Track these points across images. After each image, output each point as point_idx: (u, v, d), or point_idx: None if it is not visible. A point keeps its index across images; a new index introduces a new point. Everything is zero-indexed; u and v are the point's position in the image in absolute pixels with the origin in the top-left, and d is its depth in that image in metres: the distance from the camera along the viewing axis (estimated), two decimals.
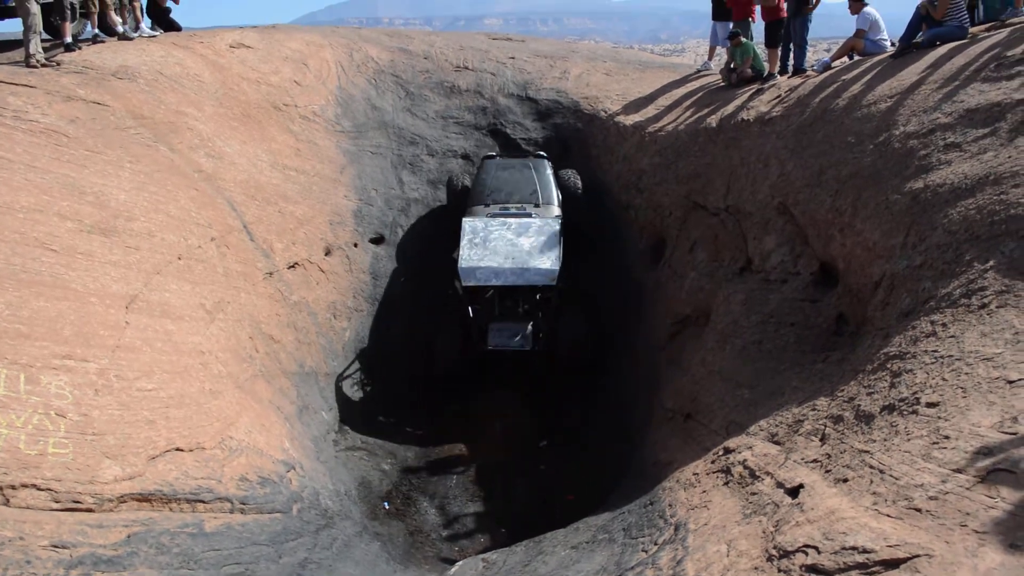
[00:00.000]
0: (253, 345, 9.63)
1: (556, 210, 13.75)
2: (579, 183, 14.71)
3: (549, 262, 12.36)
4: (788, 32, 13.42)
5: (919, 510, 4.24)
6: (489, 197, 13.93)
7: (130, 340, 7.16)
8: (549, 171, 14.42)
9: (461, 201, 14.53)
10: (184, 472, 6.51)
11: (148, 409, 6.68)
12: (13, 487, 5.33)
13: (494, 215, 13.33)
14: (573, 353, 12.67)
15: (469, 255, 12.44)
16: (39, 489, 5.45)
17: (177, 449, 6.62)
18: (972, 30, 10.36)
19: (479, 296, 12.62)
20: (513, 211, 13.46)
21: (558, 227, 12.95)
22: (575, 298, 13.52)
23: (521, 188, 14.03)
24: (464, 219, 13.13)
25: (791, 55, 13.60)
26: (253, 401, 8.58)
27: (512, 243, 12.64)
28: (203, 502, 6.46)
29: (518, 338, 12.21)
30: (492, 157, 14.91)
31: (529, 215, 13.32)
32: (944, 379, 5.39)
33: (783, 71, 13.40)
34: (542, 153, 15.22)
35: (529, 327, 12.30)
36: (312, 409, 10.64)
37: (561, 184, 14.55)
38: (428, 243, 14.83)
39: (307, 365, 11.15)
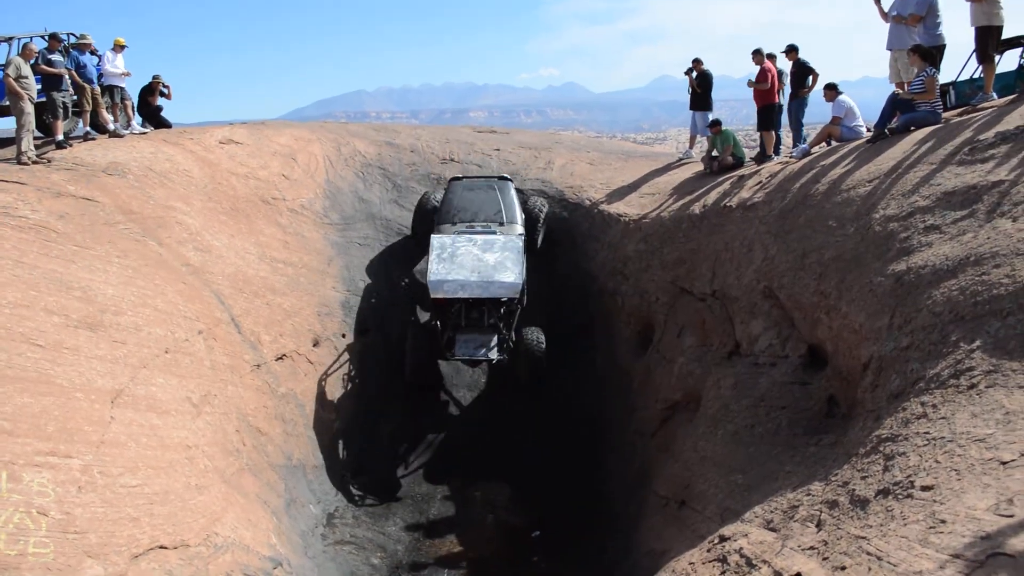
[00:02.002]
0: (240, 438, 9.49)
1: (519, 228, 14.54)
2: (543, 207, 15.61)
3: (513, 275, 13.03)
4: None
5: None
6: (456, 216, 14.65)
7: (115, 435, 7.05)
8: (513, 193, 15.20)
9: (430, 221, 15.20)
10: (168, 571, 6.32)
11: (132, 506, 6.53)
12: None
13: (460, 232, 14.06)
14: (532, 366, 13.30)
15: (437, 269, 13.12)
16: None
17: (161, 547, 6.45)
18: (945, 115, 10.68)
19: (447, 308, 13.22)
20: (479, 229, 14.20)
21: (521, 244, 13.74)
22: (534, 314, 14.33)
23: (486, 208, 14.78)
24: (432, 236, 13.93)
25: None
26: (239, 496, 8.41)
27: (478, 258, 13.33)
28: None
29: (483, 350, 12.84)
30: (459, 179, 15.68)
31: (493, 232, 14.03)
32: (937, 461, 5.36)
33: (765, 157, 13.74)
34: (506, 176, 16.02)
35: (494, 339, 12.95)
36: (300, 503, 10.43)
37: (526, 208, 15.39)
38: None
39: (295, 458, 10.97)
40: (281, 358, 11.81)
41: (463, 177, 15.85)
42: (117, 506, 6.41)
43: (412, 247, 15.96)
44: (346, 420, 12.92)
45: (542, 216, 15.41)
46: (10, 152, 12.24)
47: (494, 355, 12.83)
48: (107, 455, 6.76)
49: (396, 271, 15.52)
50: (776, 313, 10.07)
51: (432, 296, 12.99)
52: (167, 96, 16.46)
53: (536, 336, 13.45)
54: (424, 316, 14.85)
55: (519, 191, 15.67)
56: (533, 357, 13.28)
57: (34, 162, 11.68)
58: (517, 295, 13.08)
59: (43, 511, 5.85)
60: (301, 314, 12.92)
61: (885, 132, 10.81)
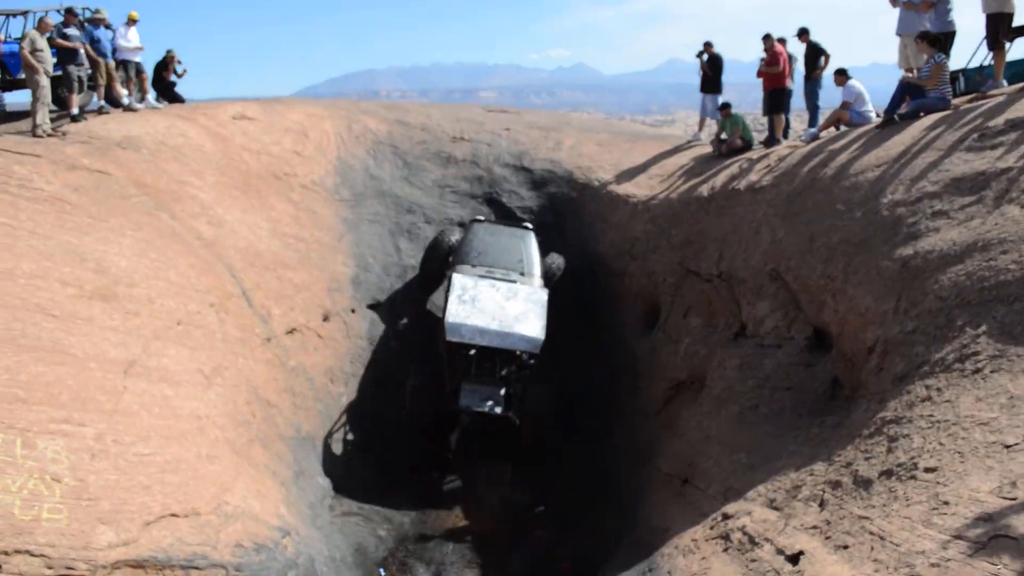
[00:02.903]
0: (250, 410, 9.60)
1: (539, 281, 13.55)
2: (561, 266, 14.67)
3: (535, 330, 12.20)
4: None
5: None
6: (476, 259, 13.64)
7: (128, 405, 7.15)
8: (535, 244, 14.26)
9: (443, 262, 14.41)
10: (179, 538, 6.44)
11: (144, 474, 6.64)
12: (7, 553, 5.28)
13: (483, 276, 13.09)
14: (535, 427, 12.51)
15: (457, 311, 12.19)
16: (32, 555, 5.39)
17: (172, 515, 6.56)
18: (954, 101, 10.65)
19: (458, 353, 12.25)
20: (500, 275, 13.21)
21: (546, 298, 12.81)
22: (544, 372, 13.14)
23: (508, 255, 13.84)
24: (454, 274, 12.94)
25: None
26: (249, 466, 8.52)
27: (500, 305, 12.47)
28: (198, 568, 6.37)
29: (489, 402, 11.95)
30: (480, 221, 14.86)
31: (515, 281, 13.12)
32: (941, 444, 5.42)
33: (774, 140, 13.71)
34: (528, 224, 15.20)
35: (501, 392, 12.10)
36: (308, 474, 10.56)
37: (543, 263, 14.19)
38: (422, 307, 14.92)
39: (304, 430, 11.09)
40: (291, 332, 11.91)
41: (485, 220, 15.01)
42: (130, 474, 6.52)
43: (423, 225, 16.01)
44: (355, 394, 13.03)
45: (557, 275, 14.45)
46: (25, 125, 12.31)
47: (499, 409, 11.90)
48: (120, 424, 6.87)
49: (406, 247, 15.57)
50: (782, 295, 10.10)
51: (448, 339, 12.03)
52: (179, 76, 16.52)
53: (543, 397, 12.67)
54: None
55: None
56: (537, 419, 12.46)
57: (49, 135, 11.74)
58: (536, 351, 12.18)
59: (57, 477, 5.97)
60: (311, 289, 13.01)
61: (895, 118, 10.80)
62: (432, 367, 12.86)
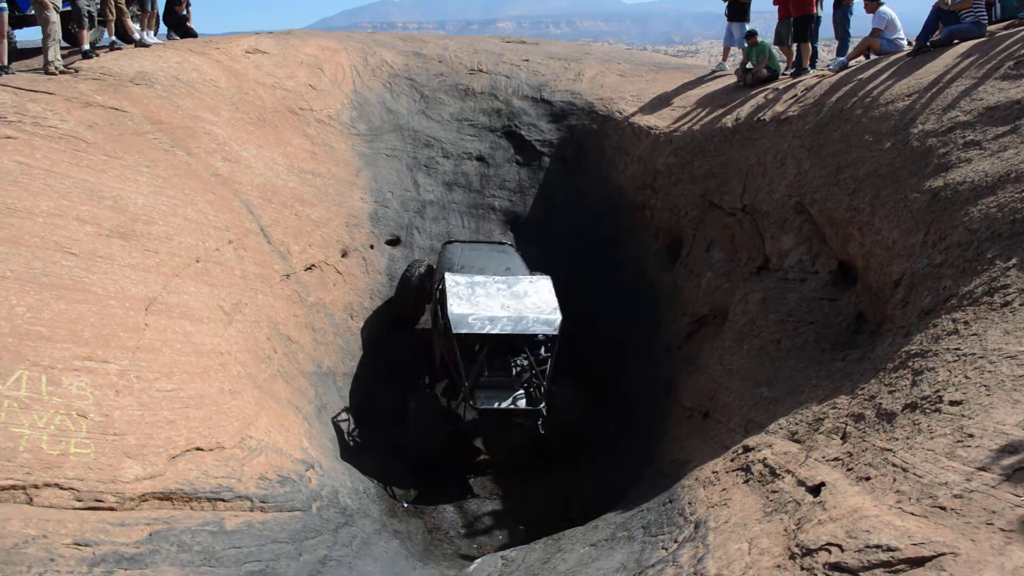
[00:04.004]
0: (271, 346, 9.67)
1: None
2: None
3: (550, 310, 10.96)
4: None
5: (944, 508, 4.21)
6: (461, 270, 12.20)
7: (150, 341, 7.20)
8: (520, 259, 13.25)
9: (418, 294, 13.27)
10: (204, 471, 6.53)
11: (168, 409, 6.71)
12: (36, 486, 5.37)
13: (474, 278, 11.66)
14: (566, 430, 11.28)
15: (459, 304, 10.79)
16: (62, 488, 5.49)
17: (197, 449, 6.64)
18: (990, 28, 10.29)
19: (466, 351, 10.93)
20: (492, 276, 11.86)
21: (551, 283, 11.65)
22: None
23: (493, 265, 12.62)
24: (446, 274, 11.58)
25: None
26: (272, 401, 8.61)
27: (505, 294, 11.22)
28: (223, 501, 6.48)
29: (510, 398, 10.78)
30: (453, 242, 13.92)
31: (515, 275, 12.01)
32: (967, 377, 5.35)
33: (801, 70, 13.35)
34: (506, 242, 14.54)
35: (521, 388, 10.98)
36: (330, 408, 10.68)
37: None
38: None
39: (325, 365, 11.18)
40: (310, 268, 11.92)
41: (457, 240, 14.05)
42: (154, 409, 6.59)
43: (441, 159, 15.88)
44: (374, 329, 13.09)
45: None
46: (37, 62, 12.20)
47: (522, 403, 10.69)
48: (143, 360, 6.92)
49: (424, 182, 15.47)
50: (807, 228, 9.95)
51: (455, 331, 10.51)
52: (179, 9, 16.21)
53: (571, 394, 11.42)
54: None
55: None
56: (567, 420, 11.18)
57: (61, 72, 11.62)
58: (556, 332, 10.76)
59: (83, 413, 6.04)
60: (330, 225, 12.98)
61: (927, 45, 10.45)
62: (432, 385, 11.77)
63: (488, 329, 10.57)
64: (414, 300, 13.38)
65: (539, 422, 10.79)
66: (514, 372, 11.18)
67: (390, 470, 10.76)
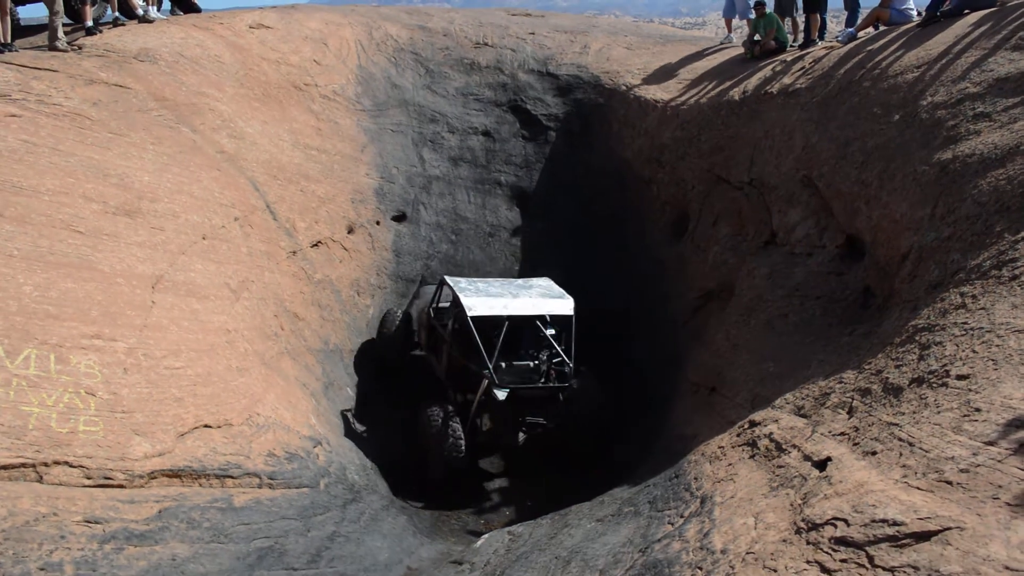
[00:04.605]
0: (278, 323, 9.69)
1: None
2: None
3: (561, 295, 11.00)
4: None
5: (950, 483, 4.21)
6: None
7: (157, 319, 7.22)
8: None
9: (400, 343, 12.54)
10: (212, 448, 6.58)
11: (176, 387, 6.74)
12: (46, 464, 5.42)
13: (475, 281, 11.58)
14: (589, 423, 10.69)
15: (470, 296, 10.52)
16: (71, 466, 5.53)
17: (205, 426, 6.69)
18: None
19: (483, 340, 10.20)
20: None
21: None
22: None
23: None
24: (445, 277, 11.59)
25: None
26: (279, 378, 8.65)
27: (511, 288, 11.17)
28: (232, 477, 6.53)
29: (532, 377, 10.64)
30: (427, 283, 13.57)
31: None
32: (974, 351, 5.33)
33: (809, 41, 13.19)
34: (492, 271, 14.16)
35: (543, 375, 10.74)
36: (337, 385, 10.72)
37: None
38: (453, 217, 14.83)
39: (332, 342, 11.22)
40: (316, 245, 11.92)
41: (430, 280, 13.61)
42: (162, 387, 6.63)
43: (446, 134, 15.80)
44: (381, 306, 13.10)
45: None
46: (41, 39, 12.13)
47: (543, 380, 10.48)
48: (150, 338, 6.95)
49: (430, 157, 15.42)
50: (815, 202, 9.89)
51: (470, 315, 10.08)
52: None
53: (591, 391, 10.73)
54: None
55: None
56: (586, 419, 10.56)
57: (65, 49, 11.56)
58: (571, 313, 10.52)
59: (91, 391, 6.07)
60: (335, 201, 12.96)
61: (937, 15, 10.30)
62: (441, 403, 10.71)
63: (506, 311, 10.36)
64: (399, 347, 12.55)
65: (561, 414, 10.38)
66: (533, 364, 10.91)
67: (398, 445, 10.79)
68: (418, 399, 10.81)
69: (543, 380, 10.66)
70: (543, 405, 10.40)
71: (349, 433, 10.02)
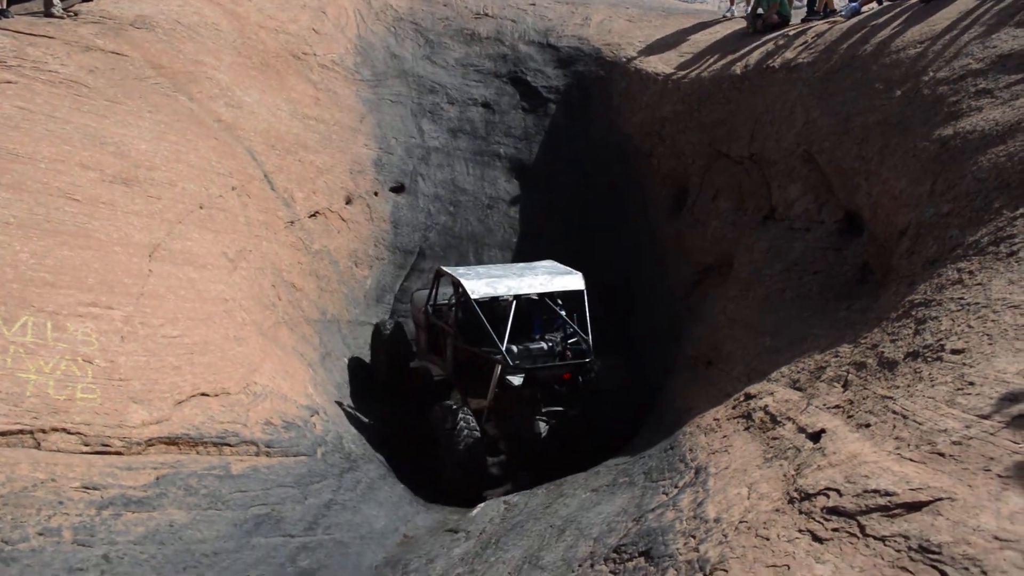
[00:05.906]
0: (276, 293, 9.70)
1: None
2: None
3: (566, 271, 10.49)
4: None
5: (942, 455, 4.23)
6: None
7: (154, 288, 7.22)
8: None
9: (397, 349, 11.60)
10: (210, 416, 6.61)
11: (173, 355, 6.76)
12: (44, 431, 5.45)
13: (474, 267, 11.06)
14: (617, 406, 10.01)
15: (472, 281, 9.83)
16: (69, 433, 5.57)
17: (203, 394, 6.71)
18: None
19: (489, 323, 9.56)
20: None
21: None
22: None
23: None
24: (441, 267, 11.02)
25: None
26: (276, 348, 8.67)
27: (519, 275, 10.36)
28: (229, 445, 6.57)
29: (545, 357, 9.97)
30: (419, 291, 12.58)
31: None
32: (970, 326, 5.34)
33: (812, 15, 13.09)
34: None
35: (559, 357, 10.09)
36: (335, 356, 10.75)
37: None
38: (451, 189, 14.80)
39: (329, 313, 11.23)
40: (314, 215, 11.89)
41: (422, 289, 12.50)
42: (159, 355, 6.65)
43: (446, 105, 15.71)
44: (379, 277, 13.11)
45: None
46: (37, 6, 12.00)
47: (559, 359, 9.93)
48: (147, 307, 6.96)
49: (429, 128, 15.34)
50: (815, 178, 9.87)
51: (475, 298, 9.50)
52: None
53: (614, 372, 10.08)
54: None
55: None
56: (616, 391, 9.93)
57: (61, 15, 11.44)
58: (582, 288, 10.03)
59: (88, 359, 6.10)
60: (333, 171, 12.90)
61: None
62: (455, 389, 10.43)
63: (513, 292, 9.78)
64: (392, 357, 11.60)
65: (584, 399, 9.80)
66: (547, 346, 10.17)
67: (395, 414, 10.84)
68: (423, 407, 10.23)
69: (559, 361, 10.04)
70: (563, 390, 9.85)
71: (346, 402, 10.07)
